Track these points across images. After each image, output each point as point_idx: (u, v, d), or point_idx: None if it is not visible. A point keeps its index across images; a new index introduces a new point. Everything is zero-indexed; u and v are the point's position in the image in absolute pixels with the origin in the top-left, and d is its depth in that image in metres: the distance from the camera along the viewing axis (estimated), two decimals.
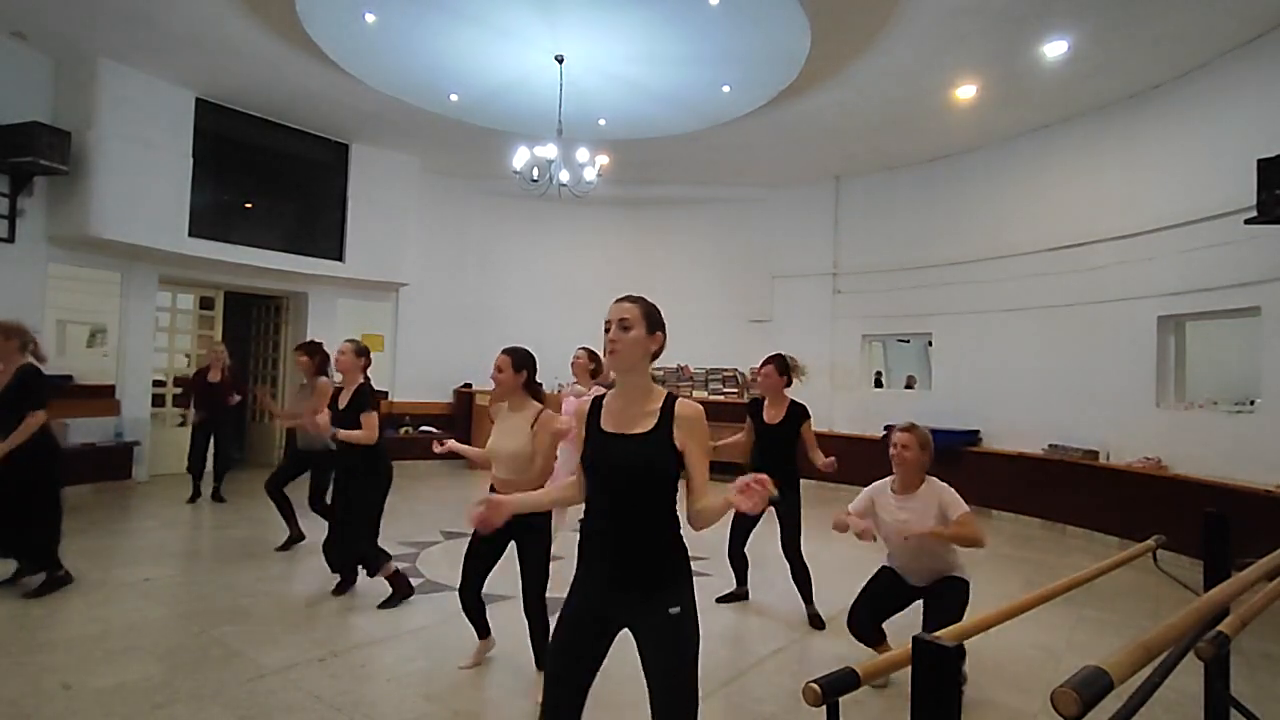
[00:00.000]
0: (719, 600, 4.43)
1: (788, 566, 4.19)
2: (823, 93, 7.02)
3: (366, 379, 4.22)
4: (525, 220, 10.59)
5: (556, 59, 6.52)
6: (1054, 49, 5.96)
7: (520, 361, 3.23)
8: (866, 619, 3.22)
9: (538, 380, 3.31)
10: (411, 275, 9.78)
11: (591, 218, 10.57)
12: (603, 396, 1.95)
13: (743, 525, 4.34)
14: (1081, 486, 6.79)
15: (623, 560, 1.82)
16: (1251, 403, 5.92)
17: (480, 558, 3.21)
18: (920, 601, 3.23)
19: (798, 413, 4.21)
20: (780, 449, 4.18)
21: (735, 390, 10.07)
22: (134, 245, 7.12)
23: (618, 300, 1.91)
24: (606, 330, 1.86)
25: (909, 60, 6.28)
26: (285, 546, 5.26)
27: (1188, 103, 6.31)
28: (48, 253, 6.97)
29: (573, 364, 4.92)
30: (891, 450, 3.16)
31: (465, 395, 10.23)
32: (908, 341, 10.26)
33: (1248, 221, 5.31)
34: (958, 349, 8.50)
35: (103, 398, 7.52)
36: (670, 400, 1.86)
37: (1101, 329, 6.97)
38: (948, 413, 8.06)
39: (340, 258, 9.08)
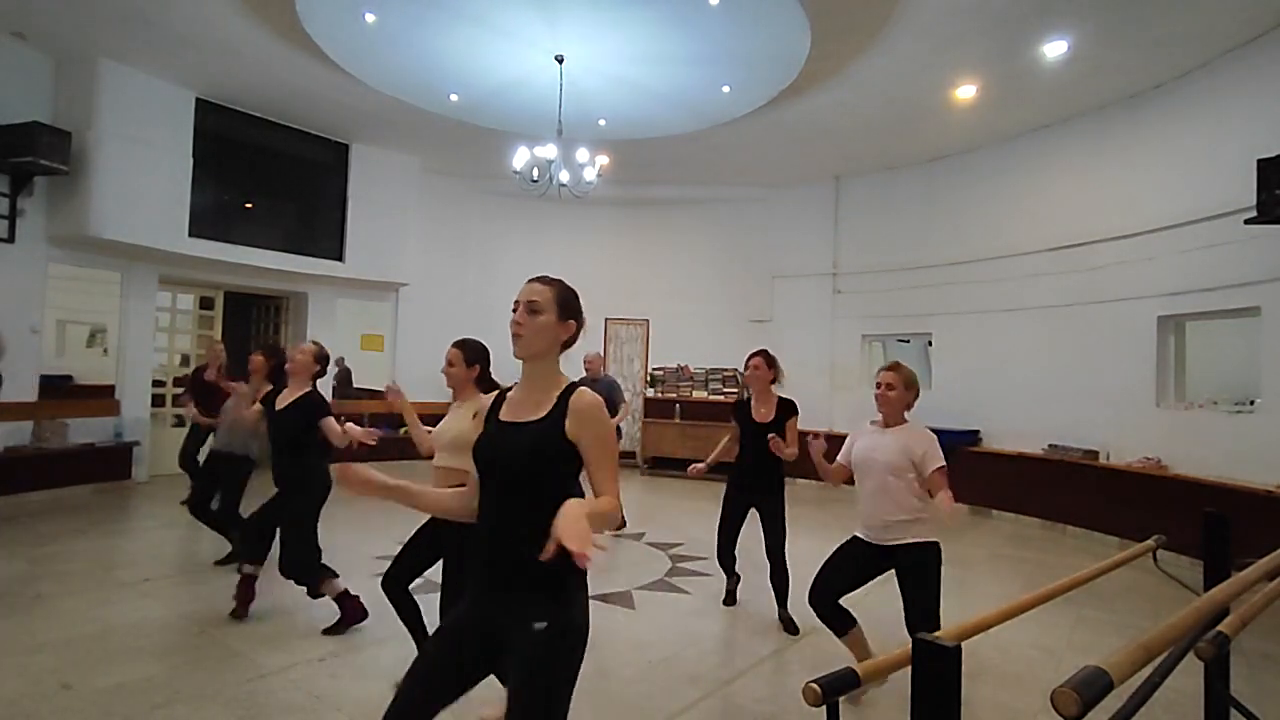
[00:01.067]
0: (724, 604, 4.40)
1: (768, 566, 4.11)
2: (823, 93, 7.01)
3: (314, 389, 3.83)
4: (525, 220, 10.59)
5: (556, 59, 6.52)
6: (1054, 49, 5.96)
7: (473, 355, 3.01)
8: (825, 589, 3.11)
9: (492, 377, 3.05)
10: (411, 275, 9.78)
11: (591, 218, 10.56)
12: (509, 389, 1.84)
13: (730, 525, 4.28)
14: (1081, 486, 6.78)
15: (501, 558, 1.64)
16: (1251, 403, 5.91)
17: (415, 549, 3.03)
18: (893, 585, 3.13)
19: (787, 408, 4.16)
20: (769, 450, 4.15)
21: (735, 390, 10.07)
22: (134, 245, 7.12)
23: (530, 280, 1.76)
24: (514, 310, 1.73)
25: (909, 60, 6.28)
26: (226, 560, 4.81)
27: (1188, 103, 6.30)
28: (48, 253, 6.96)
29: None
30: (876, 390, 3.21)
31: None
32: (908, 341, 10.25)
33: (1248, 221, 5.32)
34: (958, 349, 8.50)
35: (102, 398, 7.53)
36: (569, 390, 1.72)
37: (1101, 329, 6.96)
38: (948, 413, 8.05)
39: (340, 258, 9.08)
